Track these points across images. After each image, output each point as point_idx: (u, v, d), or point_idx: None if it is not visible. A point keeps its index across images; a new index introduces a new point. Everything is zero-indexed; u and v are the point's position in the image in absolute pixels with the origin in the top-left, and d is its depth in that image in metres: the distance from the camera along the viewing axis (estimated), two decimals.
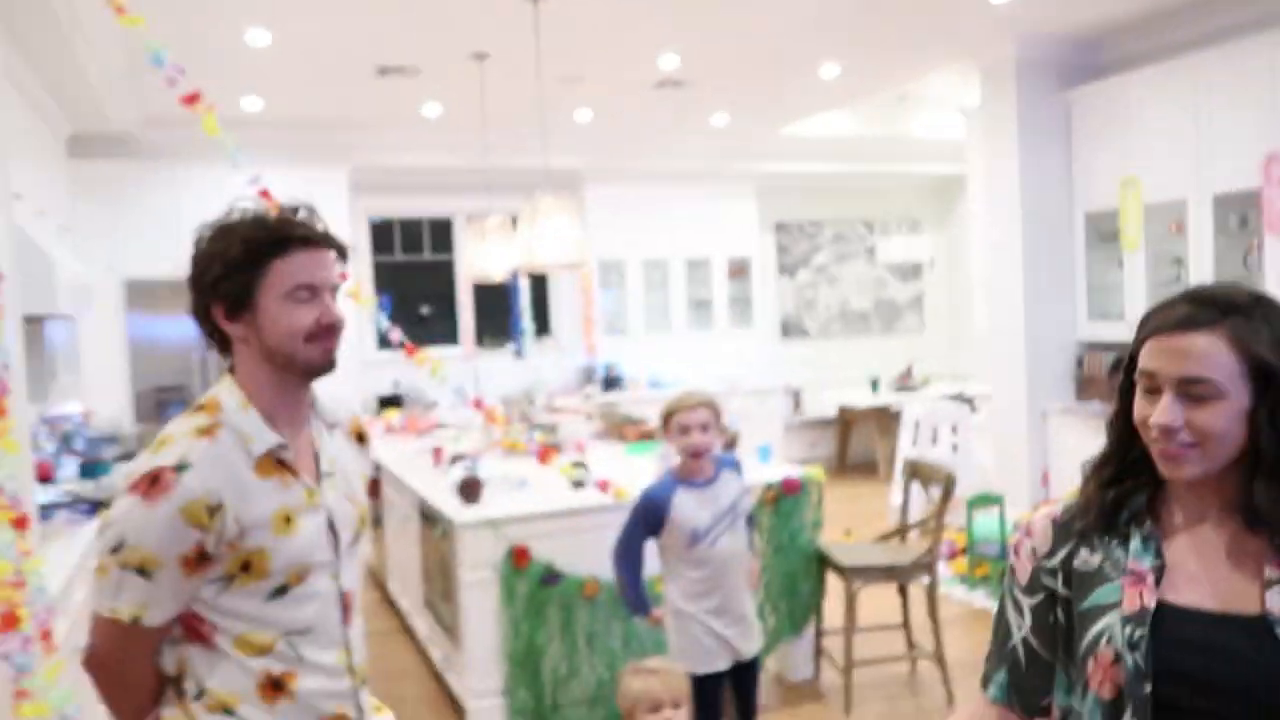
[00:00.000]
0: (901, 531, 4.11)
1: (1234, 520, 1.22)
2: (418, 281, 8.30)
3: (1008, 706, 1.31)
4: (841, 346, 9.11)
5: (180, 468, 1.39)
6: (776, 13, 4.91)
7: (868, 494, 7.37)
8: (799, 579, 3.89)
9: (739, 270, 8.47)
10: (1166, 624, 1.18)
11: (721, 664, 2.70)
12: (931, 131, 8.19)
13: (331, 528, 1.54)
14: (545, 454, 4.08)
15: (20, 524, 2.10)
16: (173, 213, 6.01)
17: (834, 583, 3.85)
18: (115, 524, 1.39)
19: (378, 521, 5.30)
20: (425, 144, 7.30)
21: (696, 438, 2.70)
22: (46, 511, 3.47)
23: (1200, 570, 1.21)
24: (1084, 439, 5.21)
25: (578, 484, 3.80)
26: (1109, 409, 1.31)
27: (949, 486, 3.76)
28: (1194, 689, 1.15)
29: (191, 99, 2.91)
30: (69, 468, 4.29)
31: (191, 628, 1.46)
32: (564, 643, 3.53)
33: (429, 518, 4.05)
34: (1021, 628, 1.29)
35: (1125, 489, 1.26)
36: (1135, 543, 1.23)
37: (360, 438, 1.74)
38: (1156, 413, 1.16)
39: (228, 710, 1.46)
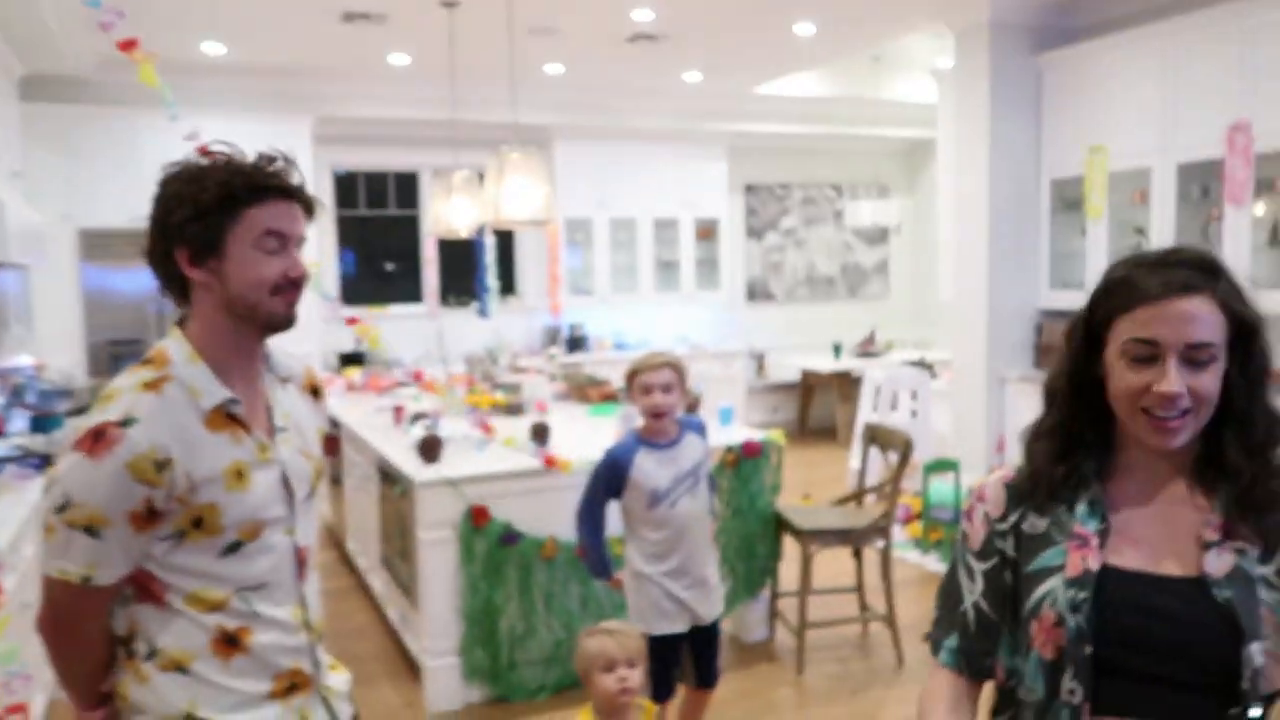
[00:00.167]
0: (858, 495, 4.14)
1: (1179, 483, 1.24)
2: (382, 237, 8.18)
3: (957, 671, 1.32)
4: (806, 311, 9.13)
5: (126, 422, 1.36)
6: None
7: (828, 458, 7.43)
8: (756, 542, 3.92)
9: (707, 232, 8.44)
10: (1109, 587, 1.20)
11: (679, 626, 2.71)
12: (903, 95, 8.17)
13: (286, 483, 1.52)
14: (487, 428, 4.04)
15: None
16: (131, 161, 5.85)
17: (790, 545, 3.89)
18: (60, 482, 1.37)
19: (336, 480, 5.27)
20: (391, 95, 7.16)
21: (658, 398, 2.69)
22: None
23: (1143, 533, 1.22)
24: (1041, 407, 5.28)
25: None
26: (1049, 378, 1.32)
27: (906, 452, 3.79)
28: (1133, 649, 1.17)
29: (128, 45, 2.78)
30: (19, 421, 4.21)
31: (142, 586, 1.44)
32: (521, 602, 3.54)
33: (388, 477, 4.03)
34: (973, 592, 1.30)
35: (1074, 461, 1.26)
36: (1081, 507, 1.24)
37: (315, 392, 1.72)
38: (1166, 382, 1.15)
39: (181, 668, 1.44)
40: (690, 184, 8.28)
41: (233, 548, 1.45)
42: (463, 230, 5.55)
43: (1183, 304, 1.16)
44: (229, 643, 1.46)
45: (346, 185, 7.85)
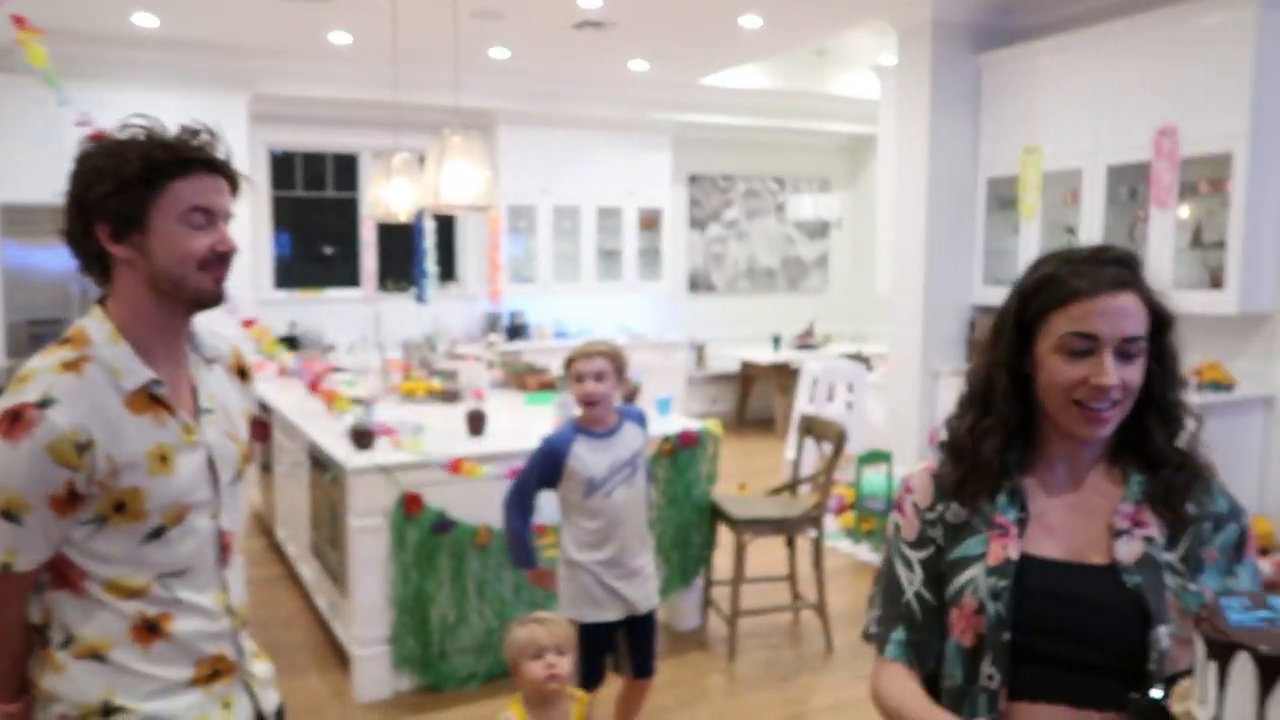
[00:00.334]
0: (792, 486, 4.19)
1: (1094, 473, 1.27)
2: (320, 219, 8.03)
3: (907, 664, 1.30)
4: (747, 303, 9.19)
5: (44, 403, 1.32)
6: None
7: (765, 449, 7.50)
8: (691, 531, 3.94)
9: (650, 222, 8.44)
10: (1027, 575, 1.23)
11: (610, 615, 2.71)
12: (847, 90, 8.25)
13: (211, 466, 1.49)
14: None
15: None
16: (54, 134, 5.62)
17: (725, 535, 3.92)
18: None
19: (267, 467, 5.17)
20: (331, 74, 7.02)
21: (590, 386, 2.69)
22: None
23: (1060, 523, 1.26)
24: None
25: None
26: (976, 372, 1.33)
27: (840, 443, 3.84)
28: (1049, 636, 1.20)
29: (19, 21, 2.64)
30: None
31: (59, 573, 1.40)
32: (454, 591, 3.51)
33: (320, 463, 3.96)
34: (914, 582, 1.31)
35: (1009, 453, 1.29)
36: (1002, 497, 1.27)
37: (242, 373, 1.68)
38: (1103, 375, 1.19)
39: (98, 656, 1.41)
40: (634, 173, 8.26)
41: (156, 533, 1.41)
42: (402, 214, 5.47)
43: (1116, 300, 1.20)
44: (149, 629, 1.43)
45: (283, 165, 7.68)
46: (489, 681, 3.51)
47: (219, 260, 1.45)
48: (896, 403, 6.00)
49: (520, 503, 2.77)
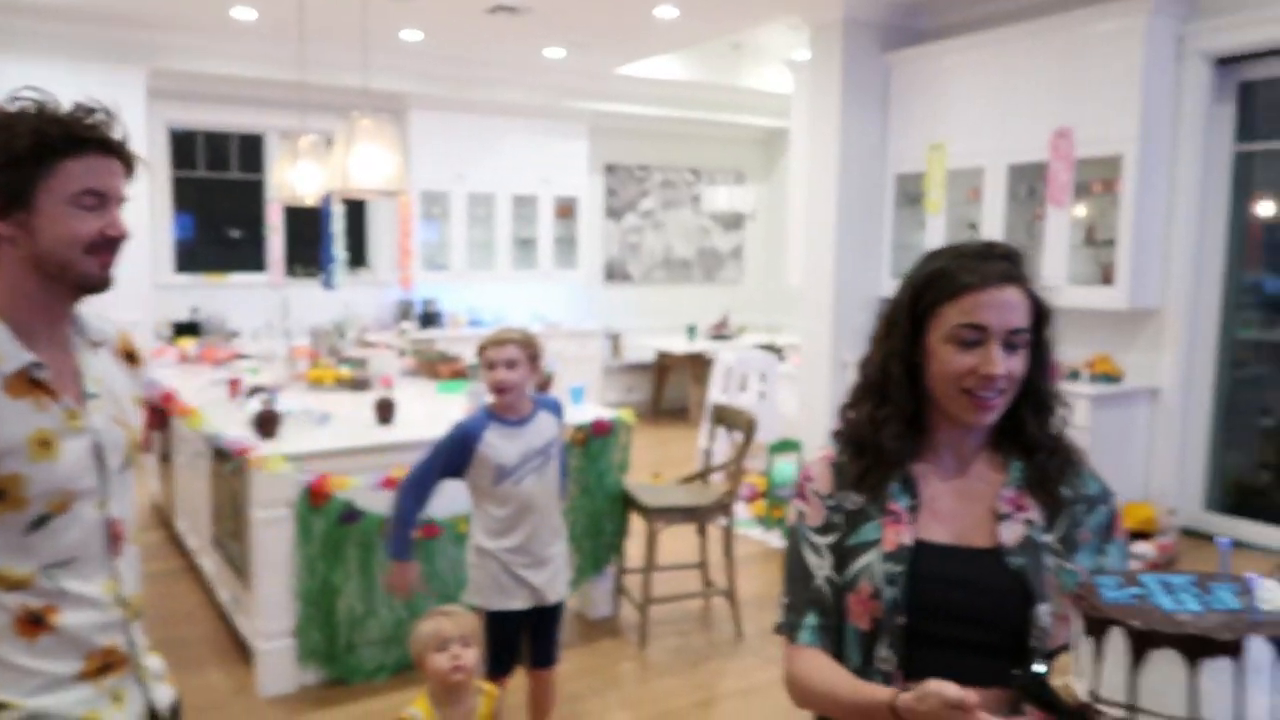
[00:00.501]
0: (704, 474, 4.24)
1: (979, 460, 1.33)
2: (225, 201, 7.77)
3: (822, 649, 1.31)
4: (663, 293, 9.24)
5: None
6: None
7: (680, 438, 7.57)
8: (603, 519, 3.95)
9: (566, 210, 8.41)
10: (920, 560, 1.27)
11: (517, 603, 2.70)
12: (761, 84, 8.34)
13: (98, 453, 1.43)
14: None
15: None
16: None
17: (637, 523, 3.94)
18: None
19: (166, 457, 4.99)
20: (235, 51, 6.79)
21: (501, 374, 2.66)
22: None
23: (949, 508, 1.30)
24: None
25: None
26: (871, 362, 1.37)
27: (749, 432, 3.90)
28: (941, 618, 1.25)
29: None
30: None
31: None
32: (361, 582, 3.45)
33: (221, 453, 3.84)
34: (823, 568, 1.32)
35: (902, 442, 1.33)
36: (895, 484, 1.31)
37: (130, 357, 1.62)
38: (991, 364, 1.23)
39: None
40: (551, 161, 8.22)
41: (39, 522, 1.36)
42: (309, 197, 5.34)
43: (1004, 293, 1.25)
44: (34, 622, 1.37)
45: (184, 144, 7.41)
46: (398, 674, 3.47)
47: (108, 245, 1.40)
48: (807, 393, 6.12)
49: (418, 486, 2.70)
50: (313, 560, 3.36)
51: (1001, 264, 1.27)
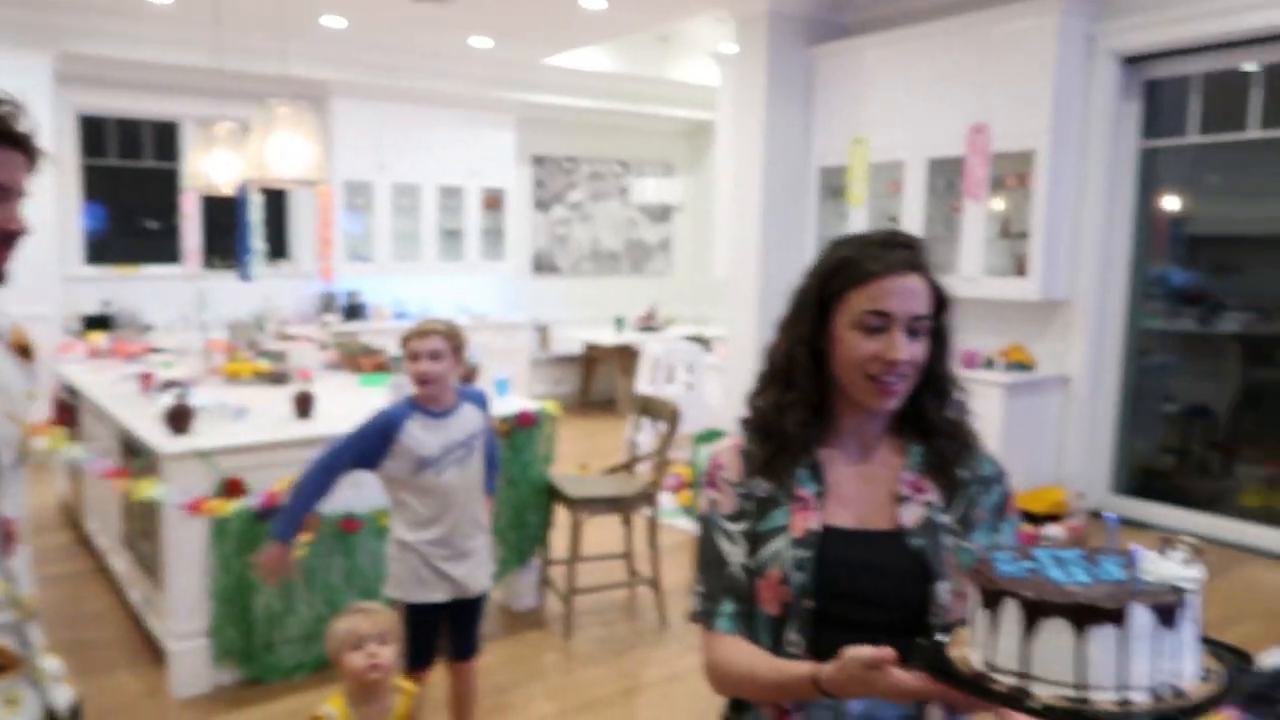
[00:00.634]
0: (629, 465, 4.25)
1: (881, 444, 1.35)
2: (138, 190, 7.52)
3: (740, 635, 1.31)
4: (591, 285, 9.23)
5: None
6: None
7: (607, 430, 7.57)
8: (528, 511, 3.93)
9: (494, 202, 8.34)
10: (826, 545, 1.29)
11: (437, 596, 2.67)
12: (689, 76, 8.38)
13: None
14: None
15: None
16: None
17: (562, 514, 3.94)
18: None
19: None
20: (149, 35, 6.58)
21: (425, 365, 2.63)
22: None
23: (853, 493, 1.33)
24: None
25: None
26: (777, 349, 1.38)
27: (674, 422, 3.92)
28: (846, 601, 1.27)
29: None
30: None
31: None
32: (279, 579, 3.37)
33: (132, 449, 3.72)
34: (736, 555, 1.33)
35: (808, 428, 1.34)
36: (802, 470, 1.33)
37: (24, 351, 1.55)
38: (897, 350, 1.25)
39: None
40: (477, 152, 8.14)
41: None
42: (225, 187, 5.21)
43: (907, 281, 1.28)
44: None
45: (95, 131, 7.14)
46: (318, 671, 3.40)
47: (4, 240, 1.35)
48: (733, 383, 6.17)
49: (326, 470, 2.61)
50: (228, 558, 3.28)
51: (904, 252, 1.29)
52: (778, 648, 1.29)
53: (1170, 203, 5.71)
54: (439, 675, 2.81)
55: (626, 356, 8.13)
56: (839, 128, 5.99)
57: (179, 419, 3.42)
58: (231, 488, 3.28)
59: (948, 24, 5.37)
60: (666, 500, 4.96)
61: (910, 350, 1.27)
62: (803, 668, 1.20)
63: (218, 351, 4.97)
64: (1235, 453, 5.77)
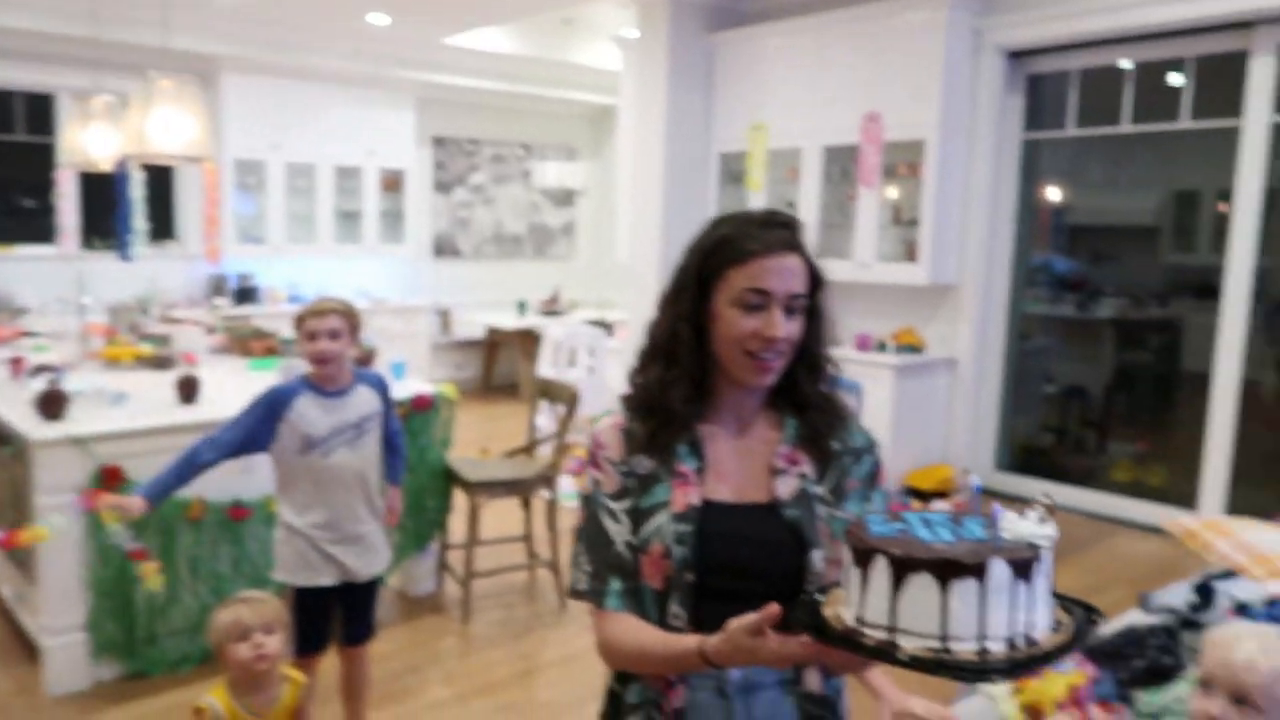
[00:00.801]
0: (529, 448, 4.23)
1: (758, 419, 1.38)
2: (10, 166, 7.11)
3: (629, 612, 1.32)
4: (494, 269, 9.14)
5: None
6: None
7: (510, 414, 7.52)
8: (426, 495, 3.88)
9: (393, 183, 8.17)
10: (706, 519, 1.31)
11: (325, 580, 2.61)
12: (592, 60, 8.34)
13: None
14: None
15: None
16: None
17: (461, 499, 3.90)
18: None
19: None
20: (19, 1, 6.19)
21: (322, 344, 2.57)
22: None
23: (732, 467, 1.35)
24: None
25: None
26: (659, 326, 1.39)
27: (573, 405, 3.92)
28: (726, 574, 1.29)
29: None
30: None
31: None
32: (163, 569, 3.25)
33: (2, 437, 3.52)
34: (621, 533, 1.33)
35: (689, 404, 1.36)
36: (682, 446, 1.34)
37: None
38: (775, 327, 1.27)
39: None
40: (376, 132, 7.95)
41: None
42: (104, 162, 4.95)
43: (786, 259, 1.30)
44: None
45: None
46: (204, 664, 3.30)
47: None
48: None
49: (211, 441, 2.55)
50: (106, 549, 3.14)
51: (783, 232, 1.32)
52: (662, 621, 1.31)
53: (1053, 193, 5.98)
54: (332, 662, 2.75)
55: (529, 341, 8.08)
56: (739, 114, 6.05)
57: (51, 404, 3.26)
58: (109, 476, 3.14)
59: (842, 15, 5.48)
60: (566, 483, 4.96)
61: (787, 328, 1.30)
62: (690, 641, 1.22)
63: (96, 335, 4.75)
64: (1108, 431, 6.10)
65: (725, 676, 1.30)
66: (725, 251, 1.31)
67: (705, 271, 1.33)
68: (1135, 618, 2.31)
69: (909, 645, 1.03)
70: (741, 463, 1.36)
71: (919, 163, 5.26)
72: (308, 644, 2.60)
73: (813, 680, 1.34)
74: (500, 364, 8.89)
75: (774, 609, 1.11)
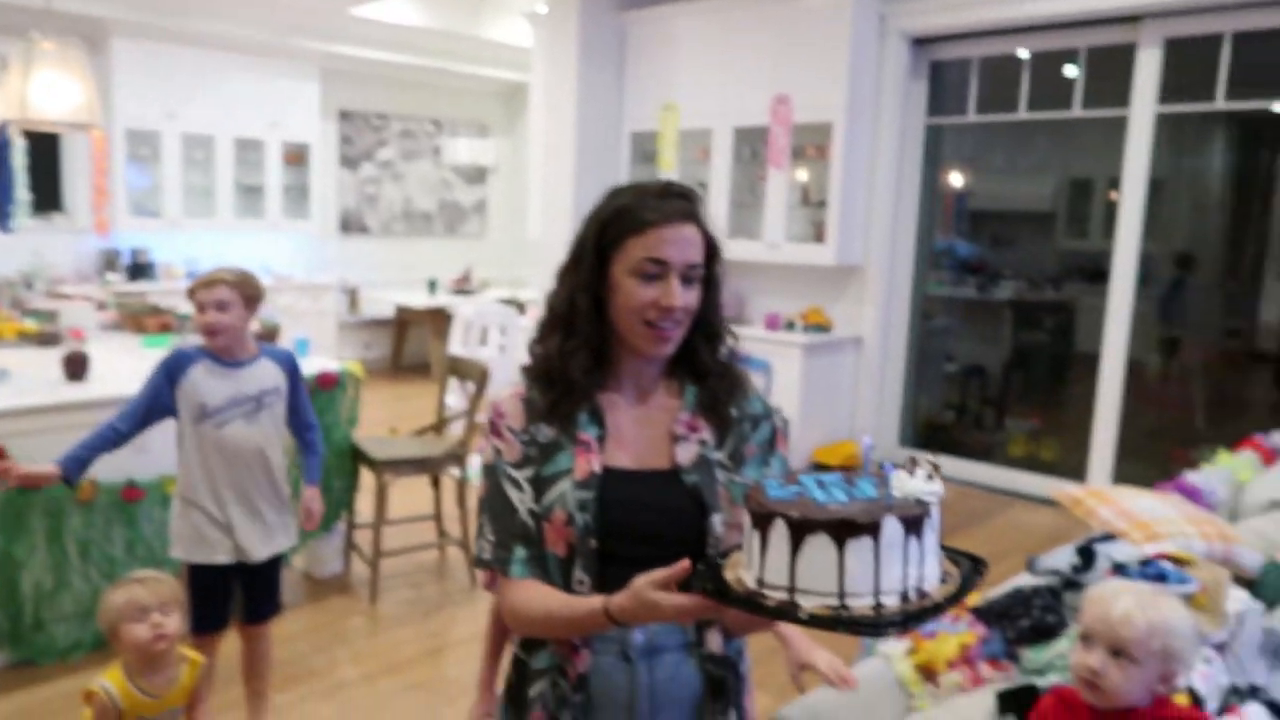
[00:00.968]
0: (438, 426, 4.18)
1: (658, 388, 1.40)
2: None
3: (535, 579, 1.32)
4: (403, 246, 8.97)
5: None
6: None
7: (420, 394, 7.41)
8: (332, 475, 3.80)
9: (296, 157, 7.93)
10: (608, 486, 1.32)
11: (221, 557, 2.55)
12: (503, 36, 8.23)
13: None
14: None
15: None
16: None
17: (368, 478, 3.84)
18: None
19: None
20: None
21: (211, 316, 2.50)
22: None
23: (632, 435, 1.37)
24: None
25: None
26: (558, 296, 1.39)
27: (483, 382, 3.89)
28: (629, 539, 1.31)
29: None
30: None
31: None
32: (50, 554, 3.12)
33: None
34: (524, 501, 1.33)
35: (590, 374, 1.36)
36: (583, 415, 1.35)
37: None
38: (673, 297, 1.28)
39: None
40: (278, 104, 7.70)
41: None
42: None
43: (684, 229, 1.31)
44: None
45: None
46: (97, 650, 3.18)
47: None
48: None
49: (122, 413, 2.51)
50: None
51: (680, 202, 1.33)
52: (568, 587, 1.31)
53: (955, 179, 6.16)
54: (234, 643, 2.69)
55: (440, 319, 7.96)
56: (650, 94, 6.06)
57: None
58: None
59: None
60: (477, 461, 4.92)
61: (685, 297, 1.31)
62: (595, 601, 1.23)
63: None
64: (1006, 408, 6.34)
65: (629, 640, 1.32)
66: (623, 221, 1.31)
67: (603, 241, 1.33)
68: (1023, 580, 2.41)
69: (808, 604, 1.06)
70: (642, 430, 1.37)
71: (827, 145, 5.36)
72: (205, 623, 2.54)
73: (714, 642, 1.36)
74: (410, 344, 8.75)
75: (685, 564, 1.13)
